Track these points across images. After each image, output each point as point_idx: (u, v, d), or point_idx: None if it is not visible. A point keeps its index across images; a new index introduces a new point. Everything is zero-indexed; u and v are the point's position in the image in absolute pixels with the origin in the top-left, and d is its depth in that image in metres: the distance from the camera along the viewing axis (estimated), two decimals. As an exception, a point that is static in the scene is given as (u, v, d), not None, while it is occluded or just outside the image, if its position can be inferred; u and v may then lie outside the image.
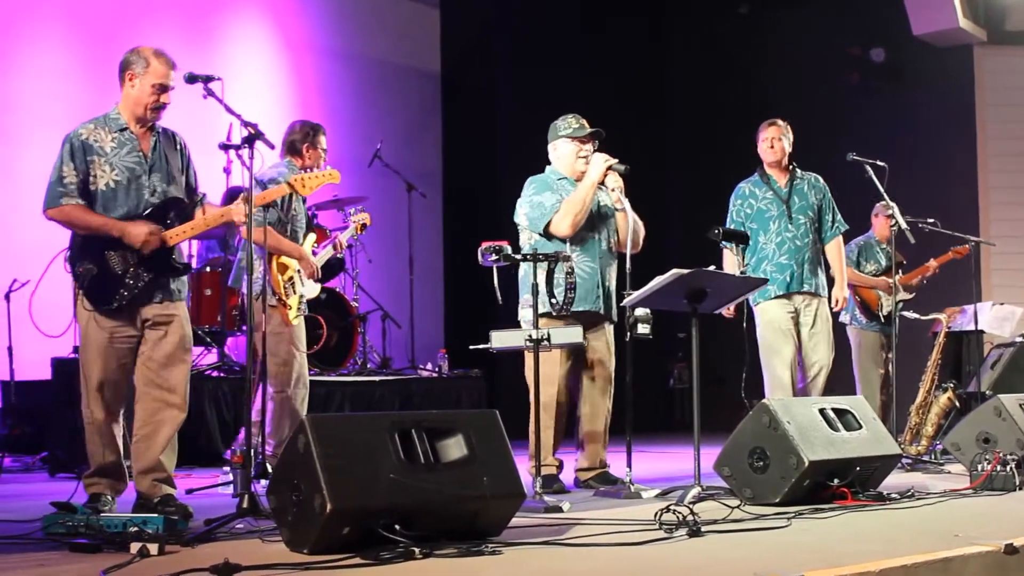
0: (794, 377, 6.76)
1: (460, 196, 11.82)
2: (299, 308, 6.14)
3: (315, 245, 6.42)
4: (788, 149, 6.92)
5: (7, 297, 7.40)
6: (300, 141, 6.29)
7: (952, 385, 7.58)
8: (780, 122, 6.95)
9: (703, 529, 4.04)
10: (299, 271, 6.15)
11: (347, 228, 7.07)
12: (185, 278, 5.00)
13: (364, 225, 7.11)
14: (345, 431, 3.84)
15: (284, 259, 6.09)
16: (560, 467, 5.89)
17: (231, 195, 7.45)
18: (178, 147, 5.01)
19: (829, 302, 6.91)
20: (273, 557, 3.57)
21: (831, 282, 6.99)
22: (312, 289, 6.28)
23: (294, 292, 6.11)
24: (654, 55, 13.47)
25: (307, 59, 10.96)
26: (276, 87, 10.63)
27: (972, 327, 8.52)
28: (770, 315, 6.79)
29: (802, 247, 6.80)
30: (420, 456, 3.86)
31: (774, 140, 6.89)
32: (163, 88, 4.80)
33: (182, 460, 5.12)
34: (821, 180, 7.01)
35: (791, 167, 6.94)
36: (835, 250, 6.99)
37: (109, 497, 4.84)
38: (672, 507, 4.25)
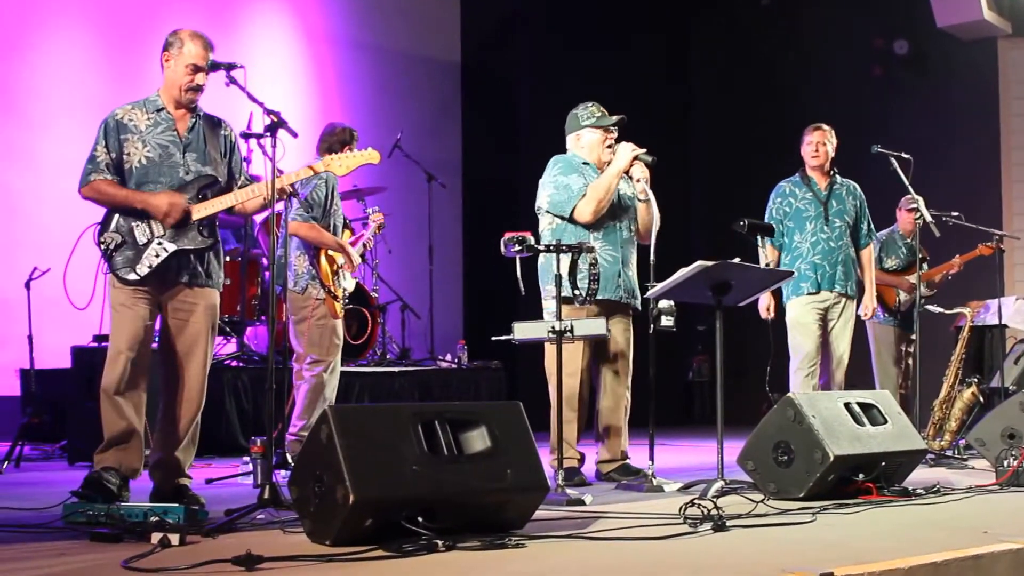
0: (817, 365, 6.83)
1: (480, 186, 11.79)
2: (344, 300, 6.27)
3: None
4: (831, 154, 6.99)
5: (27, 286, 7.39)
6: (340, 145, 6.30)
7: (976, 380, 7.53)
8: (825, 127, 7.02)
9: (728, 524, 4.01)
10: (342, 265, 6.28)
11: (369, 227, 7.16)
12: (219, 262, 4.91)
13: (381, 226, 7.18)
14: (368, 422, 3.80)
15: (330, 252, 6.20)
16: (582, 460, 5.84)
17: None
18: (223, 133, 4.96)
19: (858, 306, 7.03)
20: (295, 548, 3.54)
21: (860, 286, 7.05)
22: (351, 283, 6.40)
23: (340, 285, 6.25)
24: (676, 44, 13.40)
25: (327, 49, 10.94)
26: (296, 77, 10.61)
27: (995, 322, 8.45)
28: (799, 310, 6.88)
29: (835, 249, 6.88)
30: (443, 448, 3.82)
31: (819, 144, 6.96)
32: (196, 68, 4.76)
33: (202, 450, 5.09)
34: (859, 189, 7.08)
35: (832, 172, 6.97)
36: (867, 258, 7.08)
37: (114, 474, 4.65)
38: (696, 501, 4.21)
